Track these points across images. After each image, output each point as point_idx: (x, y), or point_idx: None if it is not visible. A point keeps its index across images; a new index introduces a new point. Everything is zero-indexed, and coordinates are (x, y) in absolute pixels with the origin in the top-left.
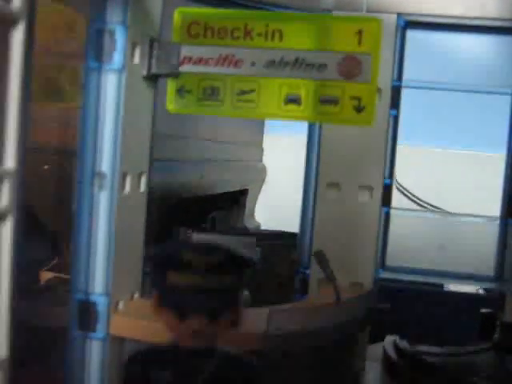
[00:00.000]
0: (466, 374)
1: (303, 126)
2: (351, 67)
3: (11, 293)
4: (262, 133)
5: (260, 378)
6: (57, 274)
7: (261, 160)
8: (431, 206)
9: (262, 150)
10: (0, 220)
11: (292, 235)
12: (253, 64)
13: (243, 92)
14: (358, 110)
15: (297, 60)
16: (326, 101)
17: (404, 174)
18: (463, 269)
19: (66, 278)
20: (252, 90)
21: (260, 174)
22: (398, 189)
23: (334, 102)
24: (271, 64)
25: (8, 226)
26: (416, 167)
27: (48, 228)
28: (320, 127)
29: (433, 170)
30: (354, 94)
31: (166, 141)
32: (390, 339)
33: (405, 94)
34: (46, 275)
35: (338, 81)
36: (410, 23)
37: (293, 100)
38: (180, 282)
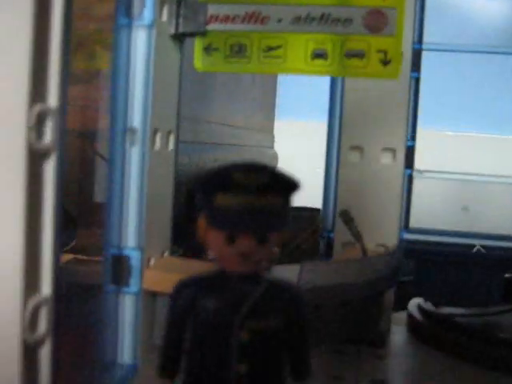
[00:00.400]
0: (491, 332)
1: (315, 111)
2: (376, 21)
3: (55, 230)
4: (272, 119)
5: (305, 306)
6: (76, 256)
7: (272, 147)
8: None
9: (273, 136)
10: (44, 157)
11: (315, 209)
12: (279, 20)
13: (270, 48)
14: (384, 63)
15: (323, 15)
16: (352, 55)
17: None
18: (487, 230)
19: (84, 259)
20: (279, 46)
21: (271, 161)
22: None
23: (360, 55)
24: (297, 20)
25: (51, 164)
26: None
27: (66, 211)
28: (342, 91)
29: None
30: (379, 48)
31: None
32: (414, 302)
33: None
34: (65, 257)
35: (363, 35)
36: None
37: (319, 55)
38: (230, 203)
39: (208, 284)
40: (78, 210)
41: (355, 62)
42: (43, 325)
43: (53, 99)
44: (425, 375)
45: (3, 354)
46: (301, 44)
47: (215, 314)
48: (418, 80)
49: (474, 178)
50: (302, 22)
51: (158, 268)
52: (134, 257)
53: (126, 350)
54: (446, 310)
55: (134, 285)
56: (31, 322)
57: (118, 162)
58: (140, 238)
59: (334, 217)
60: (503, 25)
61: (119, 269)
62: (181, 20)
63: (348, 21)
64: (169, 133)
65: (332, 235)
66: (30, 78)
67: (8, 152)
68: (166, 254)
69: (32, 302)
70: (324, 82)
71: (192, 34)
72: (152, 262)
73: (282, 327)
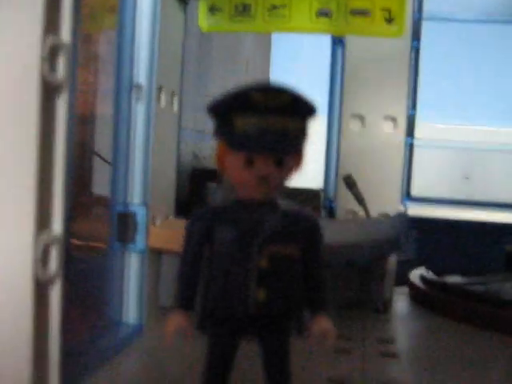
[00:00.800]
0: (492, 296)
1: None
2: None
3: (66, 167)
4: None
5: (322, 234)
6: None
7: None
8: None
9: None
10: (56, 91)
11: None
12: None
13: (274, 7)
14: (389, 21)
15: None
16: (356, 13)
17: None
18: (488, 199)
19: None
20: (283, 5)
21: None
22: None
23: (364, 13)
24: None
25: (63, 99)
26: None
27: None
28: (343, 57)
29: None
30: (384, 6)
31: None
32: (415, 272)
33: None
34: None
35: None
36: None
37: (324, 13)
38: (249, 124)
39: (224, 213)
40: (75, 201)
41: (359, 20)
42: (54, 263)
43: (65, 34)
44: (428, 334)
45: (16, 291)
46: (305, 2)
47: (233, 241)
48: (418, 50)
49: (475, 147)
50: None
51: (163, 227)
52: (140, 213)
53: (131, 309)
54: (448, 278)
55: (139, 242)
56: (43, 259)
57: (124, 118)
58: (146, 194)
59: (336, 185)
60: None
61: (125, 225)
62: None
63: None
64: (173, 93)
65: (334, 204)
66: (44, 9)
67: (22, 84)
68: (171, 217)
69: (43, 239)
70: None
71: None
72: (158, 221)
73: (299, 253)
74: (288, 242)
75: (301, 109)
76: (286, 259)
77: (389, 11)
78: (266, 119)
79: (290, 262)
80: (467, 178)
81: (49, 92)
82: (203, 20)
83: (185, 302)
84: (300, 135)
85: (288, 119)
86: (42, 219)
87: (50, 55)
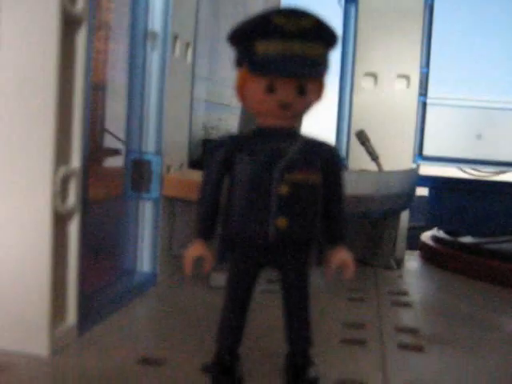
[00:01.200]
0: (505, 252)
1: None
2: None
3: (84, 104)
4: None
5: (342, 164)
6: None
7: None
8: None
9: None
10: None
11: None
12: None
13: None
14: None
15: None
16: None
17: None
18: (501, 158)
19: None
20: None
21: None
22: None
23: None
24: None
25: (82, 32)
26: None
27: None
28: (356, 15)
29: None
30: None
31: None
32: (426, 234)
33: None
34: None
35: None
36: None
37: None
38: (272, 48)
39: (245, 141)
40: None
41: None
42: (72, 197)
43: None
44: (440, 288)
45: (35, 224)
46: None
47: (253, 169)
48: (431, 6)
49: (488, 105)
50: None
51: (177, 175)
52: (155, 161)
53: (145, 258)
54: (460, 239)
55: (154, 190)
56: (62, 192)
57: (139, 65)
58: (160, 143)
59: (348, 143)
60: None
61: (140, 173)
62: None
63: None
64: (187, 44)
65: (346, 162)
66: None
67: (43, 15)
68: (185, 168)
69: (62, 171)
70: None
71: None
72: (172, 171)
73: (319, 181)
74: (308, 169)
75: (323, 34)
76: (306, 186)
77: None
78: (288, 43)
79: (310, 190)
80: (480, 138)
81: (69, 24)
82: None
83: (205, 230)
84: (322, 61)
85: (310, 44)
86: (61, 153)
87: None
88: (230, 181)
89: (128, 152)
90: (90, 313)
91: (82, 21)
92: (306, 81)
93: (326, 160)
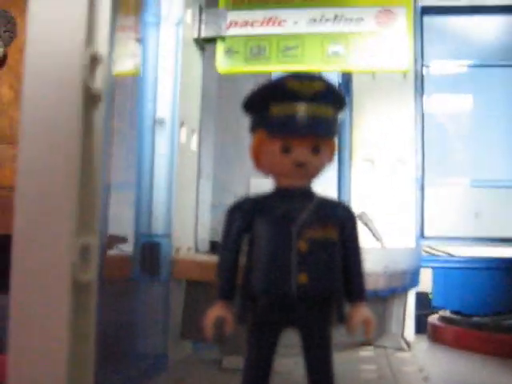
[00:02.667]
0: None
1: None
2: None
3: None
4: None
5: (357, 225)
6: None
7: None
8: None
9: None
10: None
11: None
12: (295, 23)
13: (288, 48)
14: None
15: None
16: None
17: None
18: (500, 234)
19: None
20: (296, 46)
21: None
22: None
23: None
24: (313, 21)
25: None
26: None
27: None
28: (351, 104)
29: None
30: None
31: None
32: (433, 316)
33: None
34: None
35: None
36: None
37: (335, 52)
38: (287, 110)
39: (263, 201)
40: None
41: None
42: (92, 267)
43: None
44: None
45: (54, 293)
46: (317, 42)
47: (272, 228)
48: (422, 94)
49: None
50: (317, 23)
51: (188, 256)
52: (164, 243)
53: (156, 340)
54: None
55: (164, 272)
56: (81, 262)
57: (147, 153)
58: (170, 225)
59: None
60: None
61: (149, 256)
62: (203, 26)
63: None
64: (193, 131)
65: None
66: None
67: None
68: (192, 251)
69: (81, 242)
70: None
71: (213, 39)
72: (181, 254)
73: (337, 237)
74: (325, 226)
75: (333, 96)
76: (324, 242)
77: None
78: (302, 105)
79: (328, 246)
80: (478, 216)
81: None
82: (220, 63)
83: (225, 292)
84: (333, 122)
85: (322, 105)
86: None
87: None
88: (249, 241)
89: (136, 236)
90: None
91: (100, 98)
92: (320, 140)
93: (342, 218)
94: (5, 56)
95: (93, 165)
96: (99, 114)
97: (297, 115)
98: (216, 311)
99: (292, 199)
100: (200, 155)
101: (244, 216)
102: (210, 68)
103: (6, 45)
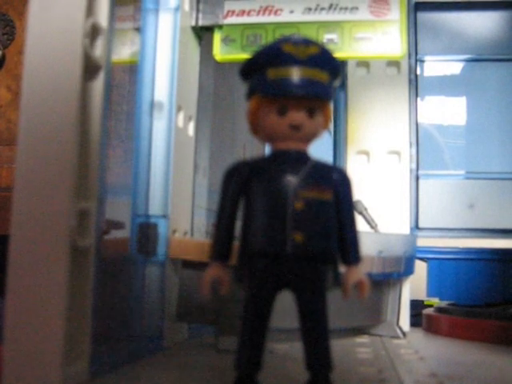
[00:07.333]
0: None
1: None
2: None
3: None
4: None
5: (352, 188)
6: None
7: None
8: None
9: None
10: (94, 73)
11: None
12: (291, 12)
13: (284, 36)
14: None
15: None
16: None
17: None
18: (493, 226)
19: None
20: (292, 34)
21: None
22: None
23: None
24: (308, 10)
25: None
26: None
27: None
28: (346, 99)
29: None
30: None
31: None
32: (427, 310)
33: None
34: None
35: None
36: None
37: (330, 40)
38: (283, 73)
39: (260, 164)
40: None
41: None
42: (90, 233)
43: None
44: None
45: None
46: (312, 31)
47: (270, 187)
48: (416, 84)
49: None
50: (313, 11)
51: (183, 238)
52: (161, 224)
53: (150, 321)
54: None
55: (160, 253)
56: (79, 227)
57: (145, 135)
58: (167, 205)
59: None
60: None
61: (146, 237)
62: (200, 14)
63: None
64: (190, 117)
65: None
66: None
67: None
68: (188, 235)
69: (79, 207)
70: None
71: (210, 28)
72: (177, 235)
73: (331, 199)
74: (321, 187)
75: (329, 61)
76: (319, 203)
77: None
78: (298, 68)
79: (324, 206)
80: (472, 207)
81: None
82: (217, 50)
83: (221, 253)
84: (328, 86)
85: (317, 69)
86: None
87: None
88: (246, 202)
89: (133, 217)
90: (101, 361)
91: (100, 67)
92: (315, 103)
93: (337, 181)
94: (3, 58)
95: (92, 131)
96: (99, 84)
97: (291, 77)
98: (212, 272)
99: (288, 162)
100: (197, 140)
101: (240, 179)
102: (208, 56)
103: (5, 47)
